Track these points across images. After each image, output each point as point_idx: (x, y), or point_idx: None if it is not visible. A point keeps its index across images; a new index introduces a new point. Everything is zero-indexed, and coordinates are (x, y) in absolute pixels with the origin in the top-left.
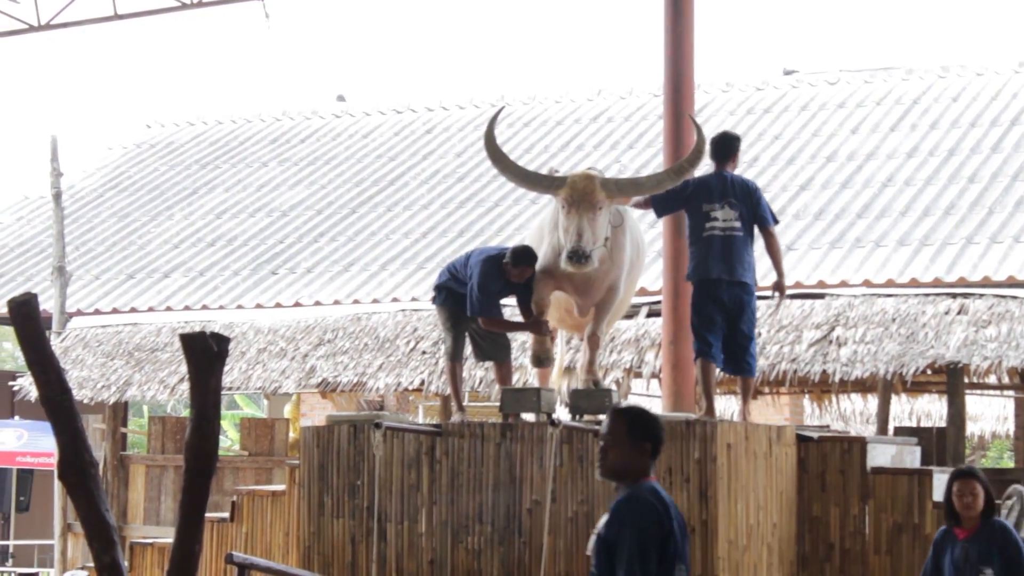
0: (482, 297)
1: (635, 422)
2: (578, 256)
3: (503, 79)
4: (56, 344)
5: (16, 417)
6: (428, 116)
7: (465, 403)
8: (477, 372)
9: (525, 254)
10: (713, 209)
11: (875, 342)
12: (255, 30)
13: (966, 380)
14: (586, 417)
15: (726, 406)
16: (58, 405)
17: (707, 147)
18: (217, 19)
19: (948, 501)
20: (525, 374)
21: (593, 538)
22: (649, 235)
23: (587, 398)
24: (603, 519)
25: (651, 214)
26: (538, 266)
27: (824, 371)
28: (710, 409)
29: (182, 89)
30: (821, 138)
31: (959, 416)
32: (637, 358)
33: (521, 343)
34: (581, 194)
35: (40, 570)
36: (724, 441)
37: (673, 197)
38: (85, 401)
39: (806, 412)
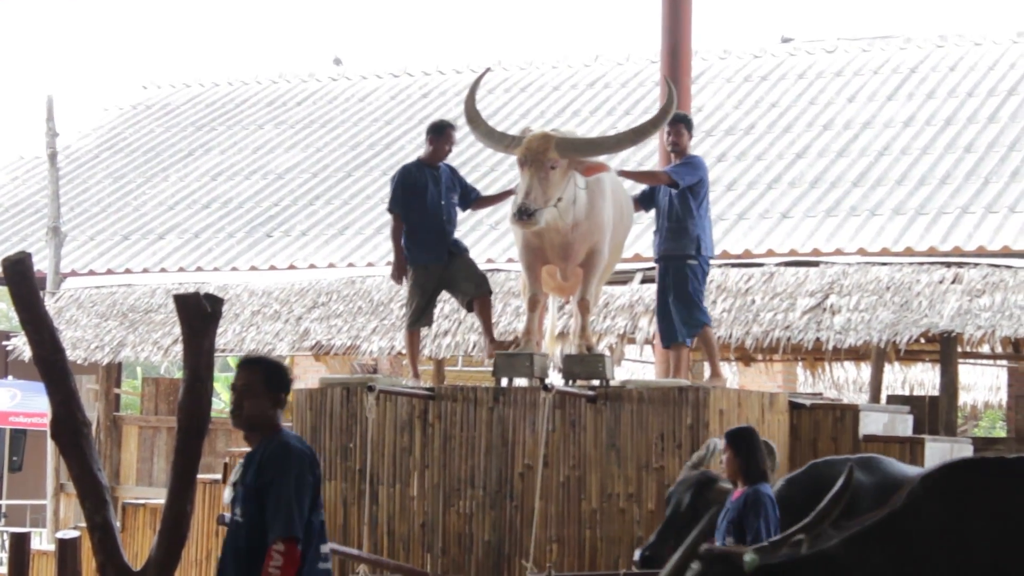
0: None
1: (271, 373)
2: (520, 213)
3: (500, 44)
4: (50, 304)
5: (9, 377)
6: (424, 80)
7: (459, 368)
8: (471, 337)
9: (433, 126)
10: None
11: (869, 310)
12: None
13: (959, 349)
14: (579, 382)
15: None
16: (51, 365)
17: (673, 110)
18: None
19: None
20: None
21: (230, 488)
22: None
23: (580, 363)
24: (238, 469)
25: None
26: (517, 242)
27: (818, 339)
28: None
29: (179, 51)
30: (818, 106)
31: (952, 385)
32: (631, 324)
33: (516, 307)
34: (534, 153)
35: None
36: (716, 407)
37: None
38: (79, 362)
39: (799, 380)
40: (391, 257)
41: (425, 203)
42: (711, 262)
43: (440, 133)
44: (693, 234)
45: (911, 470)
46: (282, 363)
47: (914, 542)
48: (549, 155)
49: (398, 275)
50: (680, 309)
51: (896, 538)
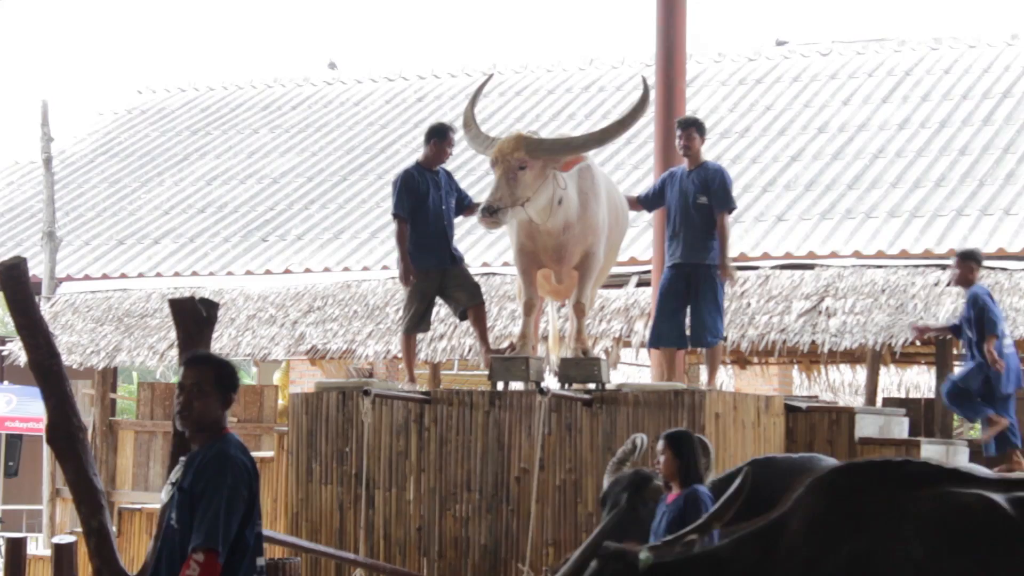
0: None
1: (222, 371)
2: (484, 211)
3: (495, 47)
4: (45, 309)
5: (5, 382)
6: (419, 84)
7: (455, 371)
8: (466, 340)
9: (434, 129)
10: None
11: (864, 313)
12: None
13: (955, 351)
14: (575, 386)
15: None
16: (47, 370)
17: (644, 111)
18: None
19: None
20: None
21: (169, 488)
22: None
23: (576, 367)
24: (178, 469)
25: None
26: (513, 247)
27: (813, 341)
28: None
29: (174, 55)
30: (813, 109)
31: None
32: (626, 327)
33: (512, 311)
34: (503, 154)
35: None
36: (712, 411)
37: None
38: (74, 366)
39: (795, 382)
40: (387, 261)
41: (427, 208)
42: None
43: (442, 137)
44: (716, 244)
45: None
46: (231, 361)
47: (799, 544)
48: (517, 156)
49: (406, 278)
50: (712, 313)
51: (782, 540)
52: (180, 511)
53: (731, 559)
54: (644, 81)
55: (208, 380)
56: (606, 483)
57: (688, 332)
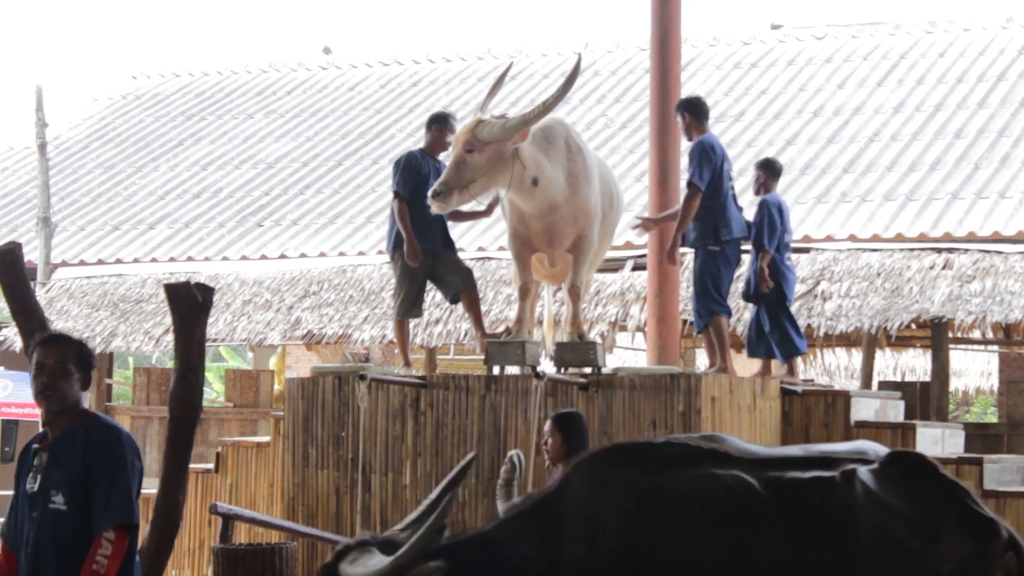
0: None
1: (83, 351)
2: (431, 194)
3: (490, 32)
4: (41, 295)
5: (0, 368)
6: (414, 69)
7: (451, 356)
8: (462, 325)
9: (435, 116)
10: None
11: (860, 296)
12: None
13: (950, 335)
14: (571, 370)
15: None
16: None
17: (574, 83)
18: None
19: None
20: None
21: (33, 475)
22: (635, 190)
23: (572, 351)
24: (35, 455)
25: (626, 164)
26: (507, 232)
27: (809, 325)
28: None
29: (168, 40)
30: (808, 93)
31: (943, 371)
32: (622, 311)
33: (507, 295)
34: (455, 139)
35: None
36: (708, 394)
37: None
38: None
39: None
40: (383, 246)
41: (427, 192)
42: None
43: (444, 123)
44: (709, 223)
45: (760, 451)
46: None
47: (563, 525)
48: (462, 139)
49: (415, 256)
50: (695, 298)
51: (549, 521)
52: (70, 492)
53: (508, 541)
54: (578, 57)
55: (71, 359)
56: (501, 509)
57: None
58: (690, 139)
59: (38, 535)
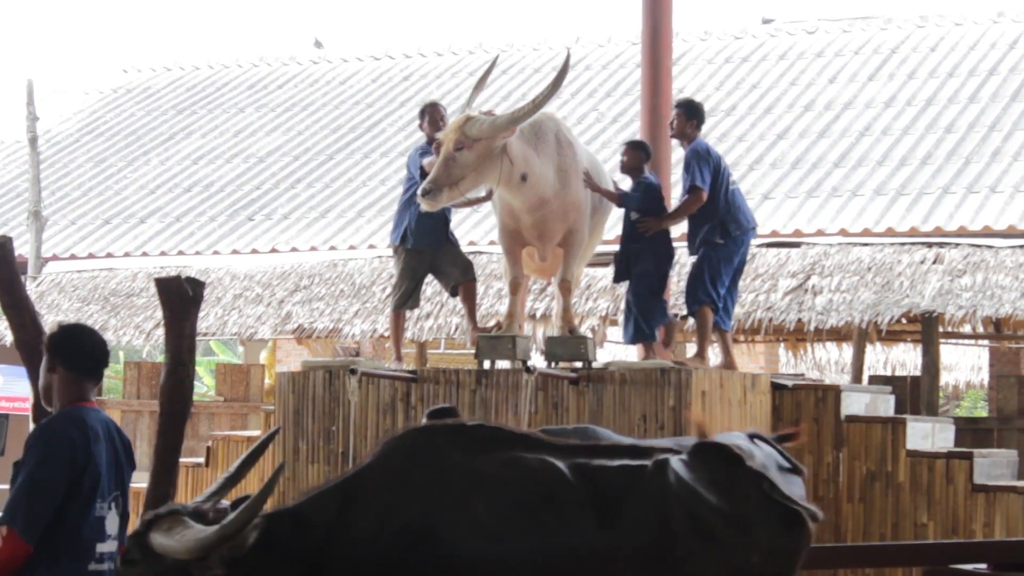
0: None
1: (49, 340)
2: (420, 192)
3: (481, 26)
4: (31, 289)
5: None
6: (406, 63)
7: (441, 350)
8: (453, 319)
9: (422, 108)
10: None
11: (851, 291)
12: None
13: (941, 329)
14: (562, 364)
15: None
16: (33, 349)
17: (563, 80)
18: None
19: None
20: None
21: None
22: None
23: (562, 345)
24: None
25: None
26: (498, 226)
27: (799, 320)
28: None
29: (159, 34)
30: (799, 87)
31: (933, 365)
32: (613, 306)
33: (498, 290)
34: (444, 135)
35: None
36: (699, 389)
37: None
38: None
39: (781, 360)
40: (373, 240)
41: None
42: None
43: (433, 108)
44: (717, 221)
45: (627, 441)
46: (80, 330)
47: (362, 499)
48: (453, 137)
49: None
50: (689, 284)
51: (362, 495)
52: (12, 486)
53: (312, 513)
54: (568, 52)
55: (47, 350)
56: None
57: None
58: (681, 138)
59: None
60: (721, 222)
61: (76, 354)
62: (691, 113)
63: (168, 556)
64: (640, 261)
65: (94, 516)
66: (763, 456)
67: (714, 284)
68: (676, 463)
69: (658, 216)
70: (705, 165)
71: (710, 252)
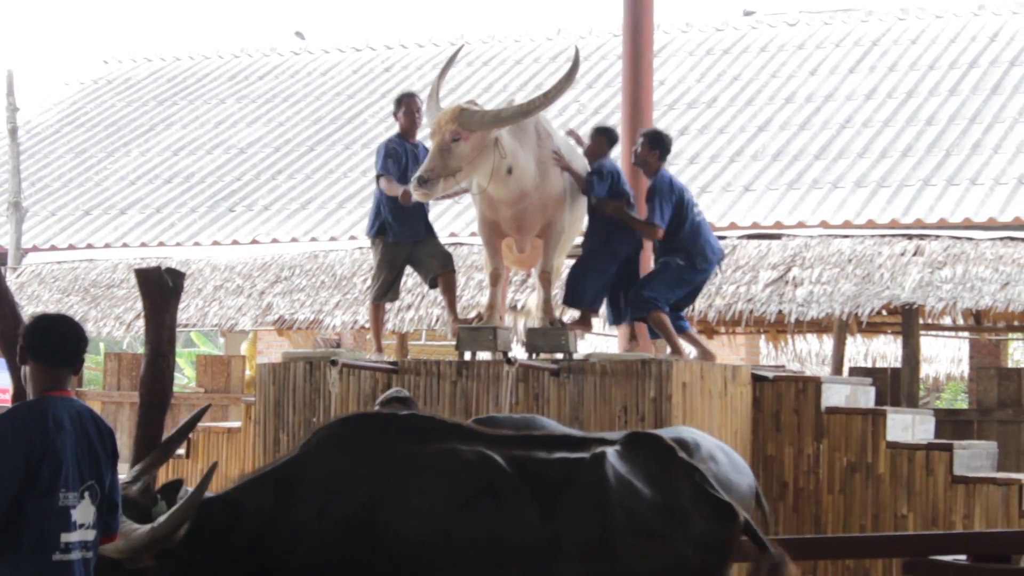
0: (385, 162)
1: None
2: (415, 181)
3: (462, 17)
4: (11, 280)
5: None
6: (387, 54)
7: (422, 342)
8: (434, 311)
9: (397, 99)
10: None
11: (831, 283)
12: None
13: (921, 321)
14: (542, 355)
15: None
16: (13, 340)
17: (573, 80)
18: None
19: None
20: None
21: None
22: None
23: (543, 336)
24: None
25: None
26: (477, 218)
27: (780, 311)
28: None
29: (140, 25)
30: (780, 79)
31: (914, 357)
32: None
33: (479, 281)
34: (438, 125)
35: None
36: (680, 380)
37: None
38: None
39: (762, 352)
40: (354, 231)
41: (407, 180)
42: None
43: (410, 99)
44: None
45: (563, 432)
46: (59, 321)
47: (299, 488)
48: (450, 128)
49: (407, 196)
50: (644, 283)
51: (288, 482)
52: None
53: (246, 500)
54: (576, 51)
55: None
56: None
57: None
58: (643, 167)
59: None
60: (687, 254)
61: (42, 345)
62: (655, 143)
63: (102, 554)
64: (588, 237)
65: (57, 506)
66: (711, 446)
67: (668, 287)
68: (612, 455)
69: (617, 199)
70: (667, 202)
71: (675, 265)
